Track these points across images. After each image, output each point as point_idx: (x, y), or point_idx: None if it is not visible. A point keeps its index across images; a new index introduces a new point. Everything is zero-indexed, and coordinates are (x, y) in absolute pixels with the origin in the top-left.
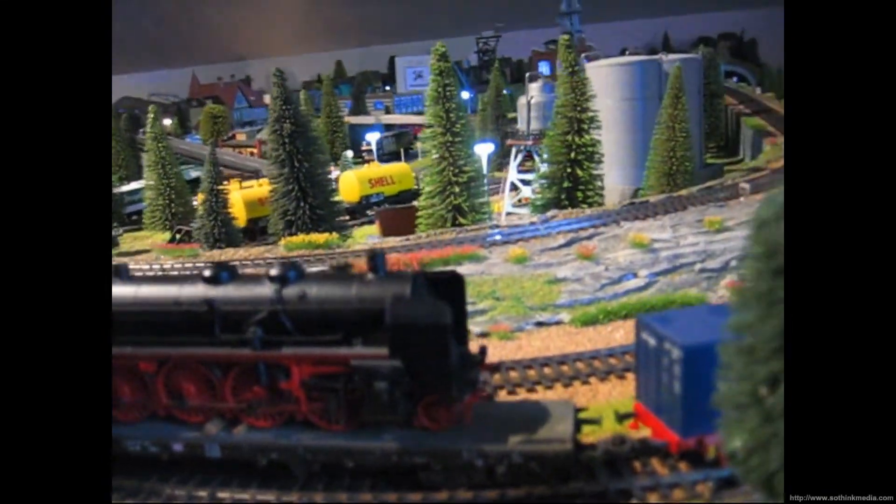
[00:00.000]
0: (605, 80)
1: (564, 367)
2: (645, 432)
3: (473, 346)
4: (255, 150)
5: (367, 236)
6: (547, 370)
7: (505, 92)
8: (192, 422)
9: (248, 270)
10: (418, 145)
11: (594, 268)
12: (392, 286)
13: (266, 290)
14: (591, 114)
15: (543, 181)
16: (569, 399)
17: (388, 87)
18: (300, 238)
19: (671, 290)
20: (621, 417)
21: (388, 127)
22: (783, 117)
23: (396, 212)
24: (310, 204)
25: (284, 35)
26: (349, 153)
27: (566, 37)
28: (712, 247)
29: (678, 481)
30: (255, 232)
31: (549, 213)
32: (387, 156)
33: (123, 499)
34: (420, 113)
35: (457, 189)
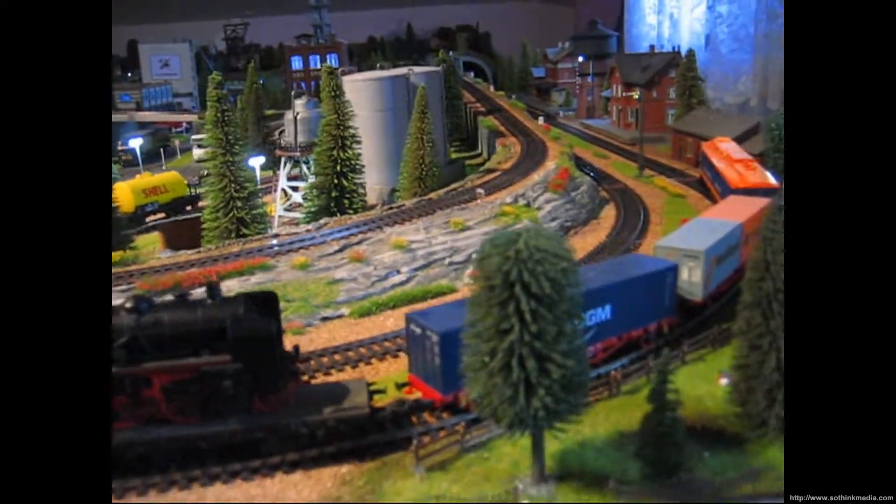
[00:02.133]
0: (359, 93)
1: (350, 353)
2: (417, 395)
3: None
4: None
5: (157, 251)
6: (337, 357)
7: (259, 81)
8: None
9: None
10: (176, 142)
11: (365, 268)
12: (229, 308)
13: (125, 319)
14: (352, 131)
15: (314, 191)
16: (361, 378)
17: (129, 75)
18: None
19: (427, 281)
20: (399, 386)
21: (142, 125)
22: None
23: (180, 225)
24: None
25: None
26: None
27: (328, 65)
28: (457, 244)
29: (442, 425)
30: None
31: (322, 221)
32: (144, 155)
33: None
34: (171, 105)
35: (239, 203)
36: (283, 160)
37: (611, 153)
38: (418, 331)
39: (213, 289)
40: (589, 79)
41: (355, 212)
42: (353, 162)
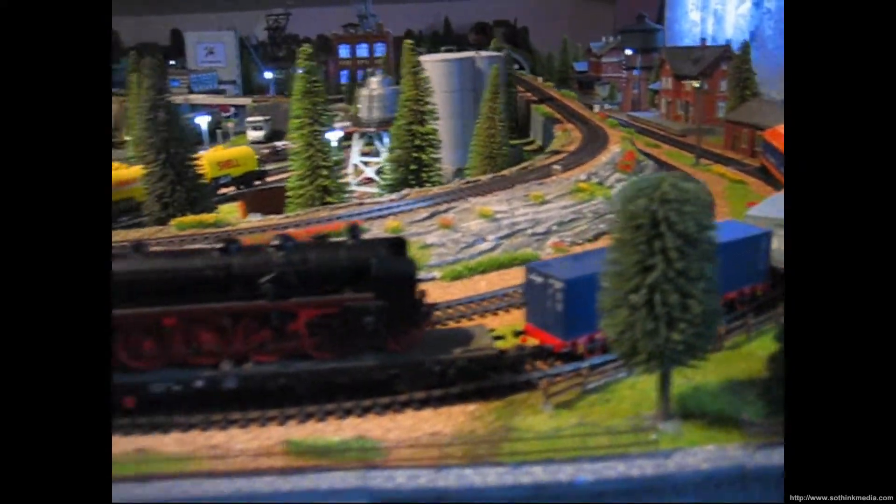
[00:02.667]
0: (428, 74)
1: (450, 311)
2: (534, 342)
3: None
4: None
5: (246, 216)
6: (438, 313)
7: (300, 72)
8: (203, 364)
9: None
10: (229, 125)
11: (453, 235)
12: (372, 249)
13: (274, 256)
14: (430, 107)
15: (391, 164)
16: (481, 324)
17: (172, 63)
18: (190, 218)
19: (512, 249)
20: (516, 333)
21: (194, 107)
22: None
23: (260, 194)
24: (186, 187)
25: None
26: None
27: (409, 42)
28: (539, 216)
29: (559, 371)
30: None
31: (404, 192)
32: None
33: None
34: (217, 91)
35: (325, 172)
36: (355, 136)
37: (662, 143)
38: (539, 280)
39: (354, 230)
40: (635, 72)
41: (433, 185)
42: (430, 137)
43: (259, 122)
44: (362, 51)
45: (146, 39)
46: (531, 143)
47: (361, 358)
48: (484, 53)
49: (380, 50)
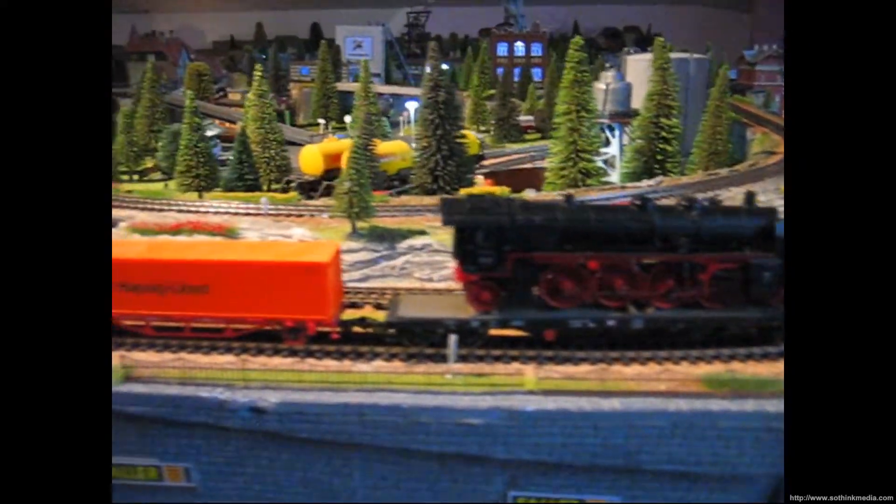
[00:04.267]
0: (646, 73)
1: None
2: None
3: None
4: None
5: (526, 191)
6: None
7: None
8: (608, 307)
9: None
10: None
11: None
12: (771, 214)
13: (688, 215)
14: (676, 102)
15: (632, 154)
16: None
17: (309, 56)
18: (478, 189)
19: None
20: None
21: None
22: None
23: (512, 172)
24: (455, 162)
25: None
26: (348, 118)
27: (661, 39)
28: None
29: None
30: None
31: (657, 180)
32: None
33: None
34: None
35: (586, 156)
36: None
37: None
38: None
39: (750, 198)
40: None
41: (676, 175)
42: (675, 130)
43: None
44: (520, 50)
45: (286, 33)
46: None
47: (747, 310)
48: (696, 55)
49: (536, 49)
